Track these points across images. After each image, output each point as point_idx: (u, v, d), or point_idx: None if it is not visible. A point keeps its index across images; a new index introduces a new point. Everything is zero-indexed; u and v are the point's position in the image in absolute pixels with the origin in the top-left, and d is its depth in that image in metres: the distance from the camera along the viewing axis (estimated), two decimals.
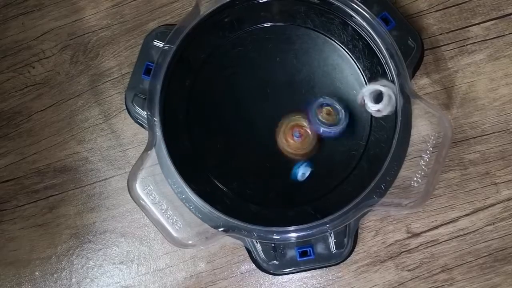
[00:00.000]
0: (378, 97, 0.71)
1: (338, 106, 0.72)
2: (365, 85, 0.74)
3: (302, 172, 0.73)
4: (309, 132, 0.73)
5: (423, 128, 0.70)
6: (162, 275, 0.78)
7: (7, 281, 0.79)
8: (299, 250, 0.70)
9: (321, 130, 0.72)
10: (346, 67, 0.76)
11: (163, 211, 0.69)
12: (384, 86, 0.70)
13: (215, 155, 0.76)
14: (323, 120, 0.72)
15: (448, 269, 0.75)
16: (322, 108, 0.72)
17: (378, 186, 0.68)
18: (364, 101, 0.72)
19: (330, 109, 0.72)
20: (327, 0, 0.71)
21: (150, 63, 0.72)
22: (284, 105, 0.76)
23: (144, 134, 0.78)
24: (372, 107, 0.71)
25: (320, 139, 0.74)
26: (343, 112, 0.72)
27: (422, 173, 0.68)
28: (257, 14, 0.76)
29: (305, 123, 0.73)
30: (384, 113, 0.70)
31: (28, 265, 0.79)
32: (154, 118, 0.69)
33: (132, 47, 0.81)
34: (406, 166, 0.70)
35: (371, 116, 0.74)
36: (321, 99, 0.73)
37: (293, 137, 0.73)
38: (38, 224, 0.79)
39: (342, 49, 0.76)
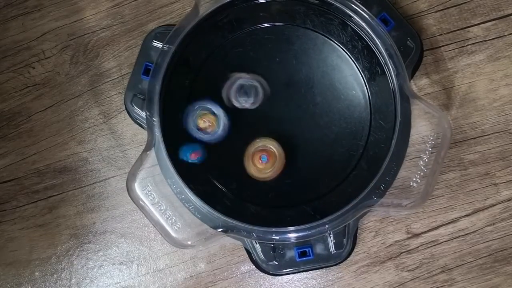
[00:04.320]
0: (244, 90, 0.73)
1: (217, 112, 0.72)
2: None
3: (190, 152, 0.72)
4: (275, 152, 0.73)
5: (422, 128, 0.70)
6: (162, 276, 0.78)
7: (7, 282, 0.79)
8: (298, 251, 0.70)
9: (197, 136, 0.72)
10: (345, 68, 0.76)
11: (162, 211, 0.69)
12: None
13: (215, 155, 0.76)
14: (199, 126, 0.72)
15: (448, 269, 0.75)
16: (198, 114, 0.72)
17: (378, 186, 0.68)
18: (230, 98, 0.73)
19: (207, 115, 0.72)
20: (327, 0, 0.71)
21: (149, 64, 0.72)
22: (284, 105, 0.76)
23: (143, 135, 0.78)
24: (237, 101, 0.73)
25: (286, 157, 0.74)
26: (222, 117, 0.72)
27: (422, 174, 0.68)
28: (256, 15, 0.76)
29: (270, 146, 0.73)
30: (244, 106, 0.74)
31: (28, 266, 0.79)
32: (153, 119, 0.69)
33: (132, 48, 0.81)
34: (406, 167, 0.70)
35: (371, 116, 0.74)
36: (198, 105, 0.73)
37: (261, 161, 0.72)
38: (38, 225, 0.79)
39: (342, 50, 0.76)
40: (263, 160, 0.72)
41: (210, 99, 0.73)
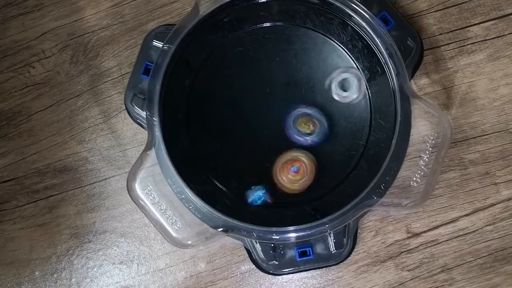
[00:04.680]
0: (345, 84, 0.73)
1: (318, 116, 0.73)
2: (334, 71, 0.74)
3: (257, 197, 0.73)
4: (306, 164, 0.73)
5: (422, 128, 0.70)
6: (162, 275, 0.78)
7: (7, 281, 0.79)
8: (299, 250, 0.70)
9: (296, 139, 0.73)
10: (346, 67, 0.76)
11: (162, 211, 0.69)
12: (352, 73, 0.71)
13: (215, 155, 0.76)
14: (301, 130, 0.73)
15: (448, 269, 0.75)
16: (300, 118, 0.73)
17: (378, 186, 0.68)
18: (331, 86, 0.73)
19: (309, 119, 0.73)
20: (327, 0, 0.71)
21: (149, 63, 0.72)
22: (284, 105, 0.76)
23: (143, 134, 0.78)
24: (339, 93, 0.73)
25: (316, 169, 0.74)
26: (323, 122, 0.73)
27: (422, 173, 0.68)
28: (256, 14, 0.76)
29: (300, 157, 0.73)
30: (349, 99, 0.73)
31: (28, 265, 0.79)
32: (154, 118, 0.69)
33: (132, 47, 0.81)
34: (406, 166, 0.70)
35: (371, 116, 0.74)
36: (301, 109, 0.74)
37: (290, 172, 0.73)
38: (38, 224, 0.79)
39: (342, 49, 0.76)
40: (294, 171, 0.72)
41: (309, 104, 0.74)
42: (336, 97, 0.74)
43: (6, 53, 0.82)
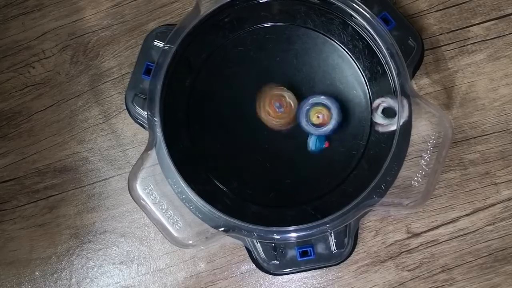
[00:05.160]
0: (387, 112, 0.72)
1: (330, 104, 0.73)
2: (387, 97, 0.73)
3: (315, 142, 0.73)
4: (291, 102, 0.73)
5: (423, 128, 0.70)
6: (162, 275, 0.78)
7: (7, 281, 0.79)
8: (300, 250, 0.70)
9: (310, 131, 0.73)
10: (346, 67, 0.76)
11: (163, 211, 0.69)
12: (399, 105, 0.70)
13: (215, 155, 0.76)
14: (314, 122, 0.73)
15: (448, 269, 0.75)
16: (311, 109, 0.73)
17: (378, 186, 0.68)
18: (376, 110, 0.73)
19: (321, 109, 0.73)
20: (327, 0, 0.71)
21: (150, 63, 0.72)
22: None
23: (144, 134, 0.78)
24: (379, 119, 0.72)
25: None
26: (336, 110, 0.73)
27: (423, 173, 0.68)
28: (257, 14, 0.76)
29: (285, 94, 0.73)
30: (386, 129, 0.72)
31: (28, 265, 0.79)
32: (155, 118, 0.69)
33: (132, 47, 0.81)
34: (407, 166, 0.70)
35: (371, 116, 0.74)
36: (312, 98, 0.73)
37: (275, 108, 0.73)
38: (38, 224, 0.79)
39: (342, 49, 0.76)
40: (278, 109, 0.73)
41: (323, 93, 0.73)
42: (379, 129, 0.73)
43: (7, 53, 0.82)
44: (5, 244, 0.80)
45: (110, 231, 0.79)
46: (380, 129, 0.73)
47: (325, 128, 0.72)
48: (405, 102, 0.69)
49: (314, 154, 0.74)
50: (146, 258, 0.78)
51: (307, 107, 0.73)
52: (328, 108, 0.72)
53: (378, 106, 0.72)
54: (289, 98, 0.73)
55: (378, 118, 0.72)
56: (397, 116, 0.68)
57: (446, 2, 0.78)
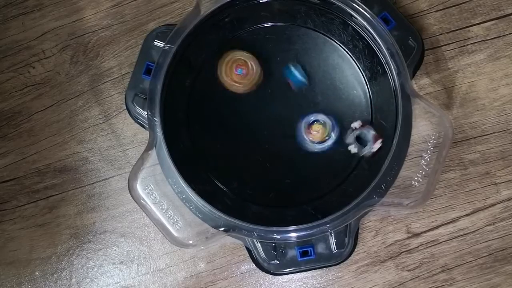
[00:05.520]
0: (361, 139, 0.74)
1: (328, 121, 0.73)
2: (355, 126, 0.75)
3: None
4: (253, 66, 0.74)
5: (423, 128, 0.70)
6: (162, 275, 0.78)
7: (7, 281, 0.79)
8: (300, 250, 0.70)
9: (309, 148, 0.74)
10: (346, 67, 0.76)
11: (163, 211, 0.69)
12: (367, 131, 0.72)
13: (216, 155, 0.76)
14: (312, 139, 0.73)
15: (448, 269, 0.75)
16: (311, 126, 0.73)
17: (379, 186, 0.68)
18: (351, 132, 0.74)
19: (319, 126, 0.73)
20: (328, 0, 0.71)
21: (150, 63, 0.72)
22: (284, 105, 0.76)
23: (144, 134, 0.78)
24: (351, 144, 0.74)
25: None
26: (333, 127, 0.74)
27: (423, 173, 0.68)
28: (257, 14, 0.76)
29: (247, 60, 0.74)
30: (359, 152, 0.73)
31: (28, 265, 0.79)
32: (155, 118, 0.69)
33: (132, 47, 0.81)
34: (407, 166, 0.70)
35: (372, 116, 0.74)
36: (310, 116, 0.74)
37: (237, 73, 0.73)
38: (38, 224, 0.79)
39: (342, 49, 0.76)
40: (239, 73, 0.73)
41: (320, 111, 0.74)
42: (353, 150, 0.74)
43: (6, 53, 0.82)
44: (5, 244, 0.79)
45: (110, 231, 0.79)
46: (350, 149, 0.74)
47: (324, 145, 0.73)
48: (371, 133, 0.71)
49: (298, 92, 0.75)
50: (146, 258, 0.78)
51: (304, 126, 0.74)
52: (325, 126, 0.73)
53: (353, 130, 0.74)
54: (250, 60, 0.74)
55: (350, 140, 0.74)
56: (396, 116, 0.69)
57: (446, 2, 0.78)
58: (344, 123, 0.75)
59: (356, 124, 0.73)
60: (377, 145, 0.71)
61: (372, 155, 0.72)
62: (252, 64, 0.73)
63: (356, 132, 0.73)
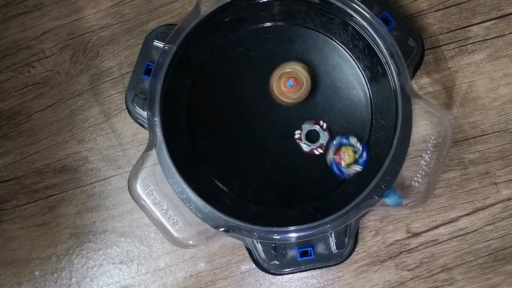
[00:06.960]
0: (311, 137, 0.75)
1: (356, 144, 0.73)
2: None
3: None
4: (303, 79, 0.73)
5: (423, 127, 0.70)
6: (162, 275, 0.78)
7: (7, 281, 0.79)
8: (300, 250, 0.70)
9: (339, 173, 0.74)
10: (346, 67, 0.76)
11: (163, 211, 0.69)
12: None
13: (216, 155, 0.76)
14: (344, 166, 0.73)
15: (448, 268, 0.75)
16: (340, 151, 0.73)
17: (379, 186, 0.68)
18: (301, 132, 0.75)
19: (347, 149, 0.73)
20: (328, 0, 0.71)
21: (150, 63, 0.72)
22: (284, 105, 0.76)
23: (144, 134, 0.78)
24: (303, 142, 0.75)
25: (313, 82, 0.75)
26: (362, 150, 0.73)
27: (423, 173, 0.68)
28: (257, 14, 0.76)
29: (298, 70, 0.74)
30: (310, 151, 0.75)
31: (28, 265, 0.79)
32: (155, 118, 0.69)
33: (132, 47, 0.81)
34: (407, 166, 0.70)
35: (372, 116, 0.74)
36: (338, 140, 0.74)
37: (287, 85, 0.73)
38: (38, 224, 0.79)
39: (343, 49, 0.76)
40: (290, 85, 0.72)
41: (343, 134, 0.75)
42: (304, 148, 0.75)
43: (6, 53, 0.82)
44: (5, 244, 0.80)
45: (110, 230, 0.79)
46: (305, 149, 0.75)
47: (350, 170, 0.73)
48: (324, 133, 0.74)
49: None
50: (146, 258, 0.78)
51: (333, 150, 0.74)
52: (353, 148, 0.73)
53: (301, 130, 0.75)
54: (301, 73, 0.73)
55: (303, 140, 0.75)
56: (396, 116, 0.69)
57: (446, 2, 0.78)
58: (344, 123, 0.75)
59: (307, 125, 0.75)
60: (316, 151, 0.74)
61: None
62: (302, 77, 0.73)
63: (307, 128, 0.74)
